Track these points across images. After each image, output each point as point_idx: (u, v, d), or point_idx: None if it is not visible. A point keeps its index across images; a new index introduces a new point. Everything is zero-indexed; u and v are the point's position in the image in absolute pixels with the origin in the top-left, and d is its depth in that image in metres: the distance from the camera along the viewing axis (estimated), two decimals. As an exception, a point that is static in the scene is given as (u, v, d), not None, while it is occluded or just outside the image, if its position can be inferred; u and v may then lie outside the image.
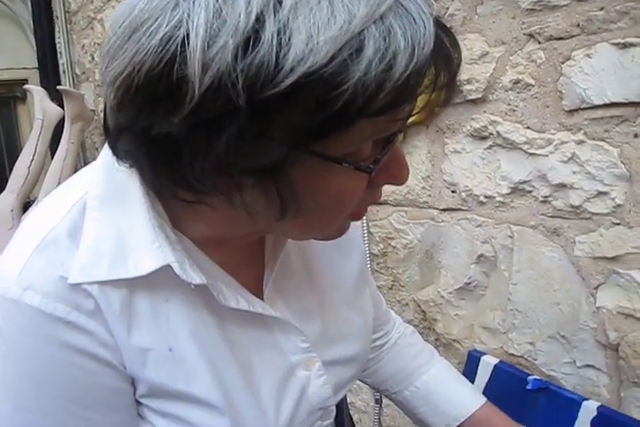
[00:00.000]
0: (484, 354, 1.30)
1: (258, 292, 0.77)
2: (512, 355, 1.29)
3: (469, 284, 1.34)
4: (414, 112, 0.59)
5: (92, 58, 3.53)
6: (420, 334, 1.42)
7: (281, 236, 0.73)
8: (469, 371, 1.32)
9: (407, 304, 1.53)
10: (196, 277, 0.65)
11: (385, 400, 1.66)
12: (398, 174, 0.63)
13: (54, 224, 0.65)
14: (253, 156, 0.52)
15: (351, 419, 1.86)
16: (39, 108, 3.26)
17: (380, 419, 1.68)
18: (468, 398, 1.05)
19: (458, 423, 1.02)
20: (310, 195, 0.58)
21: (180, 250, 0.66)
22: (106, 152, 0.67)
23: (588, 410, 1.11)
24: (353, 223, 0.94)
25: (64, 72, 3.86)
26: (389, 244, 1.51)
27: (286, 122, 0.51)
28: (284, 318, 0.78)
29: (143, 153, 0.57)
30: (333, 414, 0.87)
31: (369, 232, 1.55)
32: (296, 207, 0.58)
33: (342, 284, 0.89)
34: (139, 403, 0.72)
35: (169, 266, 0.63)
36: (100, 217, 0.65)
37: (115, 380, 0.68)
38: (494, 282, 1.30)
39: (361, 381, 1.11)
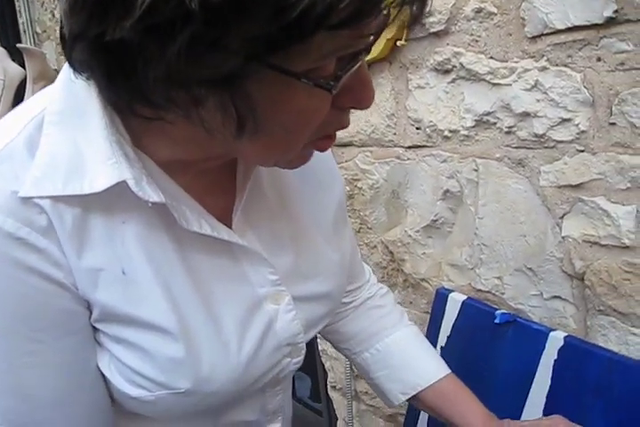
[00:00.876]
0: (452, 291, 1.30)
1: (227, 221, 0.75)
2: (480, 291, 1.29)
3: (436, 221, 1.33)
4: (383, 30, 0.57)
5: (53, 15, 3.44)
6: (388, 276, 1.43)
7: (243, 160, 0.71)
8: (438, 309, 1.32)
9: (375, 247, 1.52)
10: (153, 195, 0.63)
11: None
12: (362, 97, 0.61)
13: (10, 139, 0.63)
14: (207, 65, 0.50)
15: (323, 366, 1.87)
16: (0, 68, 3.18)
17: (351, 365, 1.68)
18: (430, 367, 1.02)
19: (414, 393, 1.00)
20: (270, 113, 0.56)
21: (140, 168, 0.64)
22: (66, 67, 0.64)
23: (555, 340, 1.11)
24: (332, 156, 0.92)
25: (24, 31, 3.76)
26: (355, 186, 1.50)
27: (242, 30, 0.48)
28: (252, 247, 0.76)
29: (97, 62, 0.55)
30: (303, 352, 0.86)
31: (335, 175, 1.53)
32: (255, 125, 0.56)
33: (321, 218, 0.87)
34: (95, 329, 0.70)
35: (125, 184, 0.61)
36: (57, 132, 0.63)
37: (68, 301, 0.66)
38: (461, 218, 1.29)
39: (324, 338, 1.09)
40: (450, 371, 1.02)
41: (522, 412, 1.16)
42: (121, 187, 0.61)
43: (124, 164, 0.62)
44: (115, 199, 0.64)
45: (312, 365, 2.18)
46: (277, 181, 0.82)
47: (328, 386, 1.87)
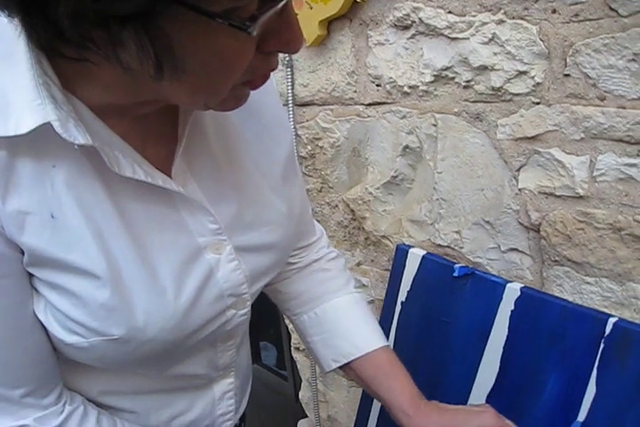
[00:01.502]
0: (412, 247, 1.31)
1: (169, 169, 0.74)
2: (439, 246, 1.30)
3: (396, 177, 1.34)
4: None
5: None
6: (350, 235, 1.44)
7: (173, 103, 0.70)
8: (398, 265, 1.33)
9: (337, 206, 1.52)
10: (79, 137, 0.62)
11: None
12: (288, 40, 0.60)
13: None
14: (116, 0, 0.49)
15: (287, 329, 1.88)
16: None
17: (314, 323, 1.70)
18: (366, 337, 1.01)
19: (346, 361, 1.00)
20: (190, 53, 0.55)
21: (68, 111, 0.63)
22: None
23: (512, 291, 1.13)
24: (282, 108, 0.91)
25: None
26: (317, 145, 1.50)
27: None
28: (191, 195, 0.76)
29: None
30: (248, 304, 0.87)
31: (296, 135, 1.53)
32: (174, 66, 0.55)
33: (269, 168, 0.87)
34: (30, 274, 0.71)
35: (50, 126, 0.61)
36: None
37: None
38: (420, 174, 1.30)
39: (268, 295, 1.09)
40: (387, 344, 1.01)
41: (480, 362, 1.18)
42: (48, 129, 0.61)
43: (49, 105, 0.61)
44: (43, 142, 0.64)
45: (278, 335, 2.20)
46: (224, 131, 0.81)
47: (292, 347, 1.88)
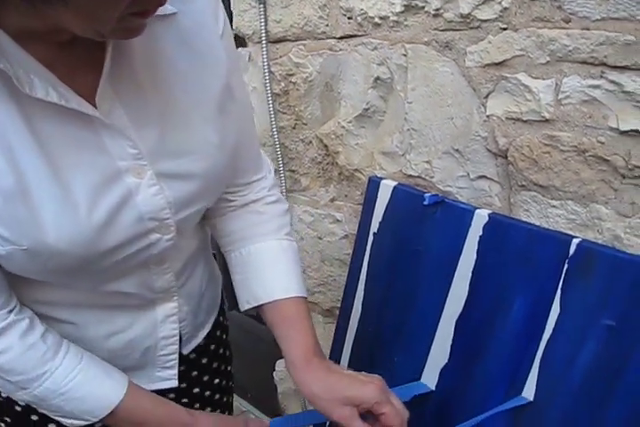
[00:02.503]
0: (384, 179, 1.33)
1: (93, 97, 0.77)
2: (410, 176, 1.32)
3: (368, 110, 1.35)
4: None
5: None
6: (324, 171, 1.45)
7: (71, 30, 0.71)
8: (370, 196, 1.35)
9: (310, 142, 1.54)
10: None
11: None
12: None
13: None
14: None
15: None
16: None
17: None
18: (280, 285, 1.04)
19: (256, 304, 1.03)
20: None
21: None
22: None
23: (480, 217, 1.15)
24: (220, 41, 0.92)
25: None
26: (290, 81, 1.51)
27: None
28: (111, 120, 0.79)
29: None
30: (173, 229, 0.90)
31: (270, 72, 1.53)
32: None
33: (202, 98, 0.88)
34: None
35: None
36: None
37: None
38: (391, 105, 1.31)
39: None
40: (303, 296, 1.04)
41: (449, 287, 1.21)
42: None
43: None
44: None
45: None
46: (153, 58, 0.83)
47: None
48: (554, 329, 1.07)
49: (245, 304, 1.05)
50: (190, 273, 1.07)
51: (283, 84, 1.52)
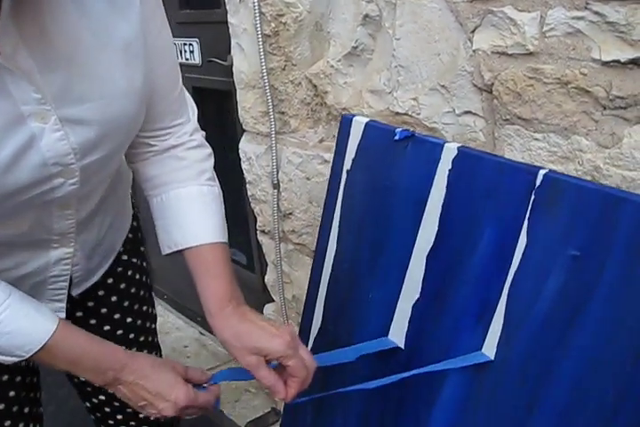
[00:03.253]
0: (356, 115, 1.33)
1: None
2: (398, 113, 1.34)
3: (356, 48, 1.37)
4: None
5: None
6: (313, 112, 1.47)
7: None
8: (343, 134, 1.35)
9: (300, 83, 1.55)
10: None
11: (282, 185, 1.72)
12: None
13: None
14: None
15: (253, 212, 1.91)
16: None
17: (278, 204, 1.75)
18: (199, 231, 1.06)
19: (175, 249, 1.07)
20: None
21: None
22: None
23: (450, 151, 1.15)
24: None
25: None
26: (280, 21, 1.51)
27: None
28: (10, 64, 0.79)
29: None
30: (77, 174, 0.92)
31: (260, 12, 1.54)
32: None
33: (112, 43, 0.89)
34: None
35: None
36: None
37: None
38: (380, 43, 1.33)
39: None
40: (224, 242, 1.07)
41: (420, 222, 1.23)
42: None
43: None
44: None
45: (247, 242, 2.26)
46: (61, 5, 0.83)
47: (257, 231, 1.94)
48: (521, 260, 1.08)
49: (166, 249, 1.09)
50: (92, 222, 1.11)
51: (273, 25, 1.53)
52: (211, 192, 1.10)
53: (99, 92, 0.89)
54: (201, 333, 2.91)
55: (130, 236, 1.29)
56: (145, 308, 1.36)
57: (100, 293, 1.25)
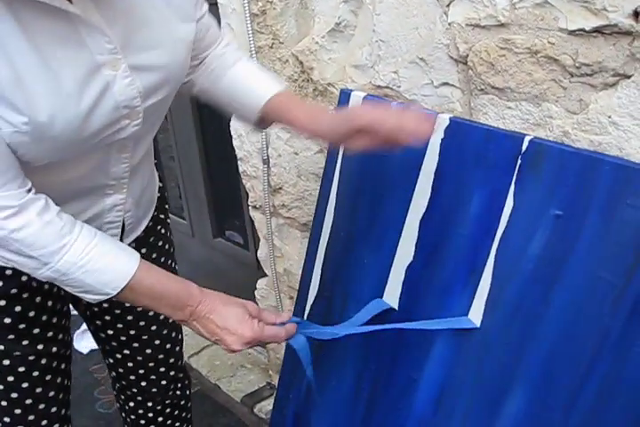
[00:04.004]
0: (354, 90, 1.40)
1: None
2: (379, 87, 1.39)
3: (339, 24, 1.41)
4: None
5: None
6: (300, 88, 1.52)
7: None
8: (342, 108, 1.42)
9: (287, 61, 1.60)
10: None
11: (272, 160, 1.78)
12: None
13: None
14: None
15: (245, 189, 1.96)
16: None
17: (268, 179, 1.80)
18: (263, 89, 1.21)
19: (260, 114, 1.22)
20: None
21: None
22: None
23: (442, 121, 1.22)
24: None
25: None
26: (267, 0, 1.56)
27: None
28: (87, 17, 0.89)
29: None
30: (141, 115, 1.04)
31: (248, -8, 1.59)
32: None
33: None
34: None
35: None
36: None
37: None
38: (362, 19, 1.38)
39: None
40: (284, 88, 1.24)
41: (414, 189, 1.29)
42: None
43: None
44: None
45: (242, 224, 2.32)
46: None
47: (250, 206, 1.99)
48: (508, 221, 1.15)
49: (253, 118, 1.24)
50: (140, 170, 1.21)
51: (260, 4, 1.57)
52: (250, 61, 1.30)
53: (157, 41, 1.01)
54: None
55: (158, 195, 1.41)
56: (169, 262, 1.48)
57: (132, 245, 1.33)
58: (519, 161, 1.12)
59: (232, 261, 2.60)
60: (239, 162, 1.93)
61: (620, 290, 1.02)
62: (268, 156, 1.76)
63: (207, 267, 2.78)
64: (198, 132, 2.49)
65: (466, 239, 1.23)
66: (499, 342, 1.18)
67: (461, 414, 1.25)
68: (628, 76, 1.01)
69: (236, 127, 1.87)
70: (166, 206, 1.47)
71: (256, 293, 2.20)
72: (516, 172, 1.13)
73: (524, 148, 1.11)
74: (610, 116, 1.05)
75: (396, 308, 1.35)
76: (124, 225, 1.25)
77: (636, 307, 1.01)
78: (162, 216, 1.44)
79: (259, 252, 2.07)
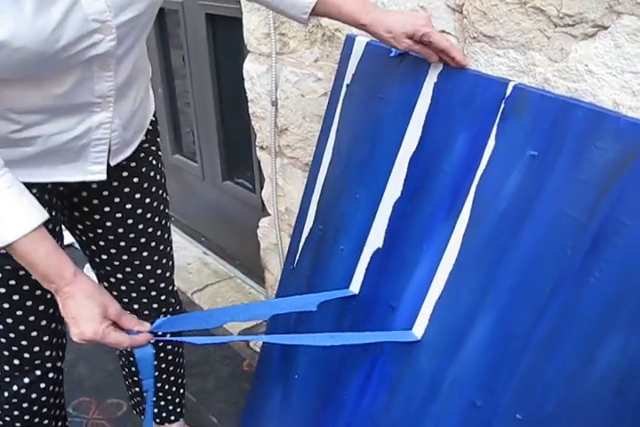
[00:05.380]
0: (358, 36, 1.48)
1: None
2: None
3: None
4: None
5: None
6: (310, 33, 1.60)
7: None
8: (347, 52, 1.50)
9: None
10: None
11: (280, 102, 1.87)
12: None
13: None
14: None
15: (253, 129, 2.05)
16: None
17: (275, 120, 1.90)
18: None
19: (309, 10, 1.30)
20: None
21: None
22: None
23: (436, 67, 1.31)
24: None
25: None
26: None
27: None
28: None
29: None
30: (114, 31, 1.09)
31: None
32: None
33: None
34: None
35: None
36: None
37: None
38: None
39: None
40: None
41: (407, 128, 1.38)
42: None
43: None
44: None
45: (251, 175, 2.40)
46: None
47: (257, 147, 2.09)
48: (488, 161, 1.25)
49: (304, 16, 1.33)
50: (127, 91, 1.28)
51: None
52: None
53: None
54: (204, 252, 3.09)
55: (150, 128, 1.48)
56: (160, 192, 1.55)
57: (125, 174, 1.44)
58: (503, 105, 1.21)
59: (239, 204, 2.70)
60: (249, 103, 2.02)
61: (583, 225, 1.11)
62: (276, 97, 1.85)
63: (215, 208, 2.90)
64: (214, 78, 2.56)
65: (449, 177, 1.32)
66: (472, 272, 1.28)
67: (432, 339, 1.36)
68: (606, 28, 1.09)
69: (249, 70, 1.96)
70: (158, 139, 1.55)
71: (258, 231, 2.31)
72: (499, 115, 1.22)
73: (507, 92, 1.20)
74: (587, 65, 1.13)
75: (381, 246, 1.45)
76: (110, 146, 1.31)
77: (596, 241, 1.10)
78: (153, 148, 1.52)
79: (263, 191, 2.17)
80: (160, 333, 1.28)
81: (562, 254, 1.15)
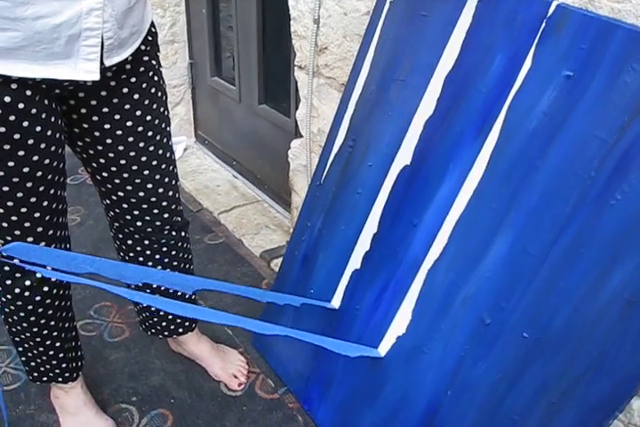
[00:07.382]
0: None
1: None
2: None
3: None
4: None
5: None
6: None
7: None
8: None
9: None
10: None
11: (322, 20, 1.86)
12: None
13: None
14: None
15: (293, 49, 2.06)
16: None
17: (316, 39, 1.90)
18: None
19: None
20: None
21: None
22: None
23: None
24: None
25: None
26: None
27: None
28: None
29: None
30: None
31: None
32: None
33: None
34: None
35: None
36: None
37: None
38: None
39: None
40: None
41: (446, 45, 1.38)
42: None
43: None
44: None
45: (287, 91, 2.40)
46: None
47: (295, 66, 2.09)
48: (523, 80, 1.25)
49: None
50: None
51: None
52: None
53: None
54: (234, 176, 3.13)
55: (149, 39, 1.43)
56: (162, 109, 1.52)
57: (125, 90, 1.41)
58: (543, 24, 1.21)
59: (273, 128, 2.72)
60: (292, 22, 2.02)
61: (610, 146, 1.12)
62: (319, 15, 1.85)
63: (249, 131, 2.92)
64: (259, 2, 2.56)
65: (483, 96, 1.33)
66: (495, 191, 1.29)
67: (449, 256, 1.39)
68: (656, -53, 1.08)
69: (294, -14, 1.96)
70: (158, 54, 1.50)
71: (289, 152, 2.33)
72: (539, 34, 1.22)
73: (550, 12, 1.20)
74: (633, -15, 1.12)
75: (409, 163, 1.47)
76: (103, 42, 1.24)
77: (621, 163, 1.12)
78: (154, 62, 1.46)
79: (297, 112, 2.19)
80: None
81: (586, 175, 1.16)
